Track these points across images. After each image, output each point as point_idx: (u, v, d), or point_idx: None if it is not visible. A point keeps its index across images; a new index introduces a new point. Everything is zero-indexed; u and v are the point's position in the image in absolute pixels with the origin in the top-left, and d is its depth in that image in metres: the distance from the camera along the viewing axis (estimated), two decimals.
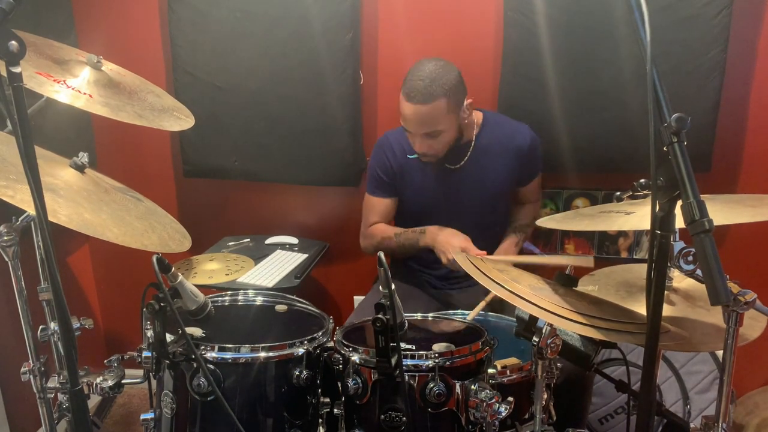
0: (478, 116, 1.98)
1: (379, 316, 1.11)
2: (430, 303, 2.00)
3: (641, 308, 1.35)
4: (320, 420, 1.40)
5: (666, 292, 1.42)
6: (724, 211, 1.18)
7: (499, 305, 1.69)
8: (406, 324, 1.21)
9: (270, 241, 2.33)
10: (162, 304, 1.18)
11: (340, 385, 1.36)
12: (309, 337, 1.36)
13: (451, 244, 1.79)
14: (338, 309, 2.59)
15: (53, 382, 1.48)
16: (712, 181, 2.16)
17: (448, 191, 1.97)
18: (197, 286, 1.28)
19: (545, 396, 1.30)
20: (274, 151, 2.33)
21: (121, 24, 2.37)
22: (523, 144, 1.97)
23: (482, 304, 1.69)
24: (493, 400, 1.22)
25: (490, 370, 1.29)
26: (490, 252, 2.06)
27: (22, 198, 1.19)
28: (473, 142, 1.95)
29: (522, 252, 2.09)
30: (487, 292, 1.66)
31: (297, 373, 1.32)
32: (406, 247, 1.96)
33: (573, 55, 2.09)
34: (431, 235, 1.88)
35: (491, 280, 1.24)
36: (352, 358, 1.30)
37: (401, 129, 2.02)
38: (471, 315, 1.64)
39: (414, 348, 1.27)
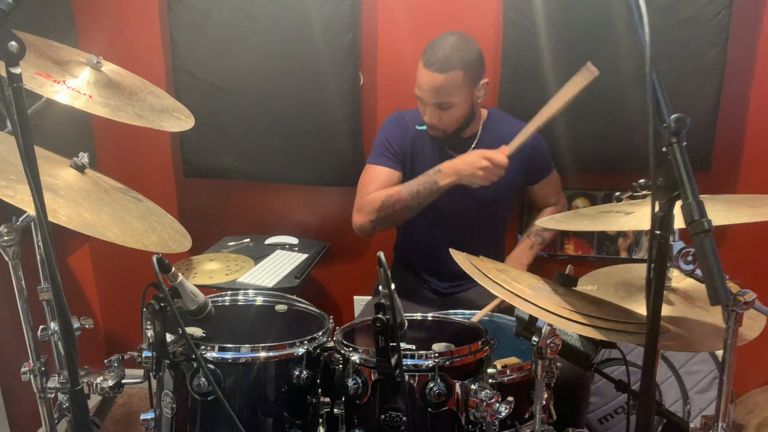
0: (483, 111, 1.99)
1: (379, 316, 1.11)
2: (430, 305, 2.00)
3: (641, 308, 1.36)
4: (320, 420, 1.40)
5: (665, 292, 1.42)
6: (724, 211, 1.18)
7: (507, 309, 1.69)
8: (406, 324, 1.21)
9: (270, 241, 2.33)
10: (162, 304, 1.18)
11: (338, 385, 1.36)
12: (309, 337, 1.36)
13: (481, 155, 1.73)
14: (338, 309, 2.59)
15: (53, 382, 1.48)
16: (711, 181, 2.16)
17: None
18: (197, 286, 1.27)
19: (545, 396, 1.30)
20: (274, 151, 2.33)
21: (121, 24, 2.37)
22: (524, 144, 1.96)
23: (490, 306, 1.69)
24: (493, 400, 1.22)
25: (490, 370, 1.29)
26: (500, 256, 2.06)
27: (22, 198, 1.20)
28: (478, 135, 1.95)
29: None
30: (489, 294, 1.66)
31: (297, 373, 1.32)
32: (422, 195, 1.80)
33: (573, 55, 2.08)
34: (450, 168, 1.77)
35: (491, 280, 1.24)
36: (352, 358, 1.30)
37: (414, 111, 1.99)
38: (477, 317, 1.64)
39: (414, 348, 1.27)
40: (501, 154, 1.72)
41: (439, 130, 1.87)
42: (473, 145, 1.94)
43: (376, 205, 1.85)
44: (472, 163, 1.74)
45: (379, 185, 1.89)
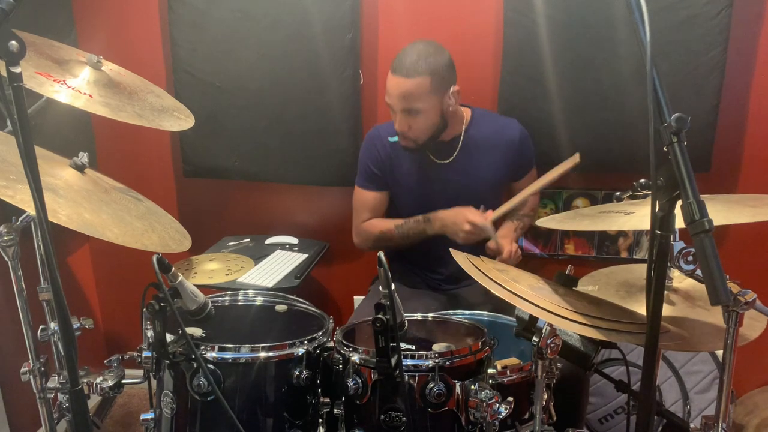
0: (466, 112, 1.98)
1: (379, 316, 1.11)
2: (430, 303, 2.00)
3: (641, 308, 1.36)
4: (320, 420, 1.40)
5: (666, 292, 1.42)
6: (724, 211, 1.18)
7: (499, 305, 1.69)
8: (406, 324, 1.21)
9: (270, 241, 2.33)
10: (162, 304, 1.18)
11: (337, 385, 1.36)
12: (309, 337, 1.36)
13: (465, 218, 1.78)
14: (338, 309, 2.59)
15: (53, 382, 1.48)
16: (712, 181, 2.16)
17: (438, 186, 1.96)
18: (197, 286, 1.27)
19: (545, 396, 1.30)
20: (274, 151, 2.33)
21: (121, 24, 2.37)
22: (513, 138, 1.97)
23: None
24: (493, 400, 1.22)
25: (490, 370, 1.29)
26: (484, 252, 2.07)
27: (22, 198, 1.20)
28: (462, 138, 1.95)
29: (522, 252, 2.08)
30: (488, 291, 1.66)
31: (297, 373, 1.32)
32: (411, 237, 1.94)
33: (573, 55, 2.09)
34: (438, 222, 1.86)
35: (491, 280, 1.24)
36: (352, 358, 1.30)
37: (392, 122, 2.02)
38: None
39: (414, 348, 1.27)
40: (485, 219, 1.77)
41: (410, 139, 1.86)
42: (457, 149, 1.94)
43: (371, 238, 2.03)
44: (456, 224, 1.80)
45: (370, 210, 2.04)
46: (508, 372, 1.30)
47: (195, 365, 1.25)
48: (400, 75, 1.75)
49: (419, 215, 1.92)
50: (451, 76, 1.82)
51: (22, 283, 1.47)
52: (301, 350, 1.33)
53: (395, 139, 1.93)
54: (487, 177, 1.96)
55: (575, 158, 1.71)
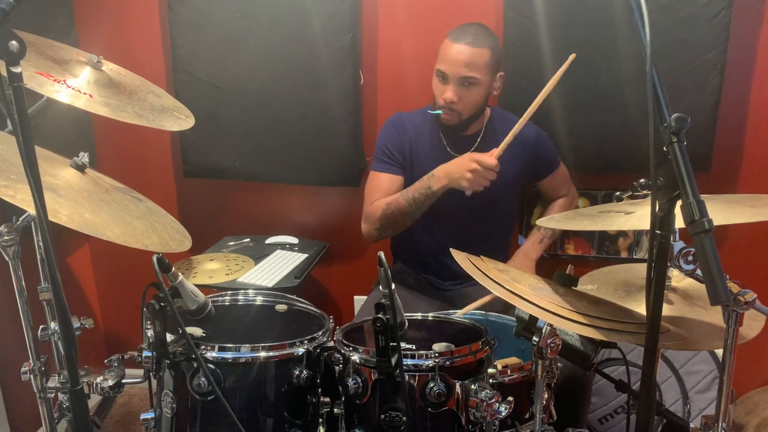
0: (486, 110, 1.98)
1: (379, 315, 1.11)
2: (430, 303, 2.00)
3: (641, 308, 1.36)
4: (320, 420, 1.40)
5: (665, 291, 1.42)
6: (724, 211, 1.18)
7: (502, 307, 1.69)
8: (406, 324, 1.21)
9: (270, 241, 2.33)
10: (162, 303, 1.18)
11: (339, 384, 1.36)
12: (309, 337, 1.36)
13: (470, 157, 1.74)
14: (338, 309, 2.59)
15: (53, 382, 1.48)
16: (712, 181, 2.16)
17: None
18: (197, 285, 1.27)
19: (545, 396, 1.30)
20: (274, 151, 2.33)
21: (121, 24, 2.37)
22: (527, 140, 1.96)
23: (478, 303, 1.69)
24: (493, 400, 1.22)
25: (491, 370, 1.29)
26: (504, 256, 2.06)
27: (22, 198, 1.20)
28: (482, 133, 1.95)
29: None
30: (488, 292, 1.66)
31: (297, 372, 1.32)
32: (419, 201, 1.84)
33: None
34: (442, 170, 1.80)
35: (491, 279, 1.24)
36: (353, 358, 1.30)
37: (414, 112, 2.01)
38: (463, 311, 1.64)
39: (414, 348, 1.27)
40: (490, 157, 1.72)
41: (455, 112, 1.84)
42: (476, 143, 1.94)
43: (378, 215, 1.91)
44: (461, 165, 1.75)
45: (381, 192, 1.94)
46: (508, 371, 1.30)
47: (195, 365, 1.25)
48: (465, 43, 1.77)
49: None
50: (501, 60, 1.87)
51: (23, 282, 1.47)
52: (301, 350, 1.33)
53: (439, 111, 1.87)
54: (503, 175, 1.94)
55: (571, 57, 1.64)
